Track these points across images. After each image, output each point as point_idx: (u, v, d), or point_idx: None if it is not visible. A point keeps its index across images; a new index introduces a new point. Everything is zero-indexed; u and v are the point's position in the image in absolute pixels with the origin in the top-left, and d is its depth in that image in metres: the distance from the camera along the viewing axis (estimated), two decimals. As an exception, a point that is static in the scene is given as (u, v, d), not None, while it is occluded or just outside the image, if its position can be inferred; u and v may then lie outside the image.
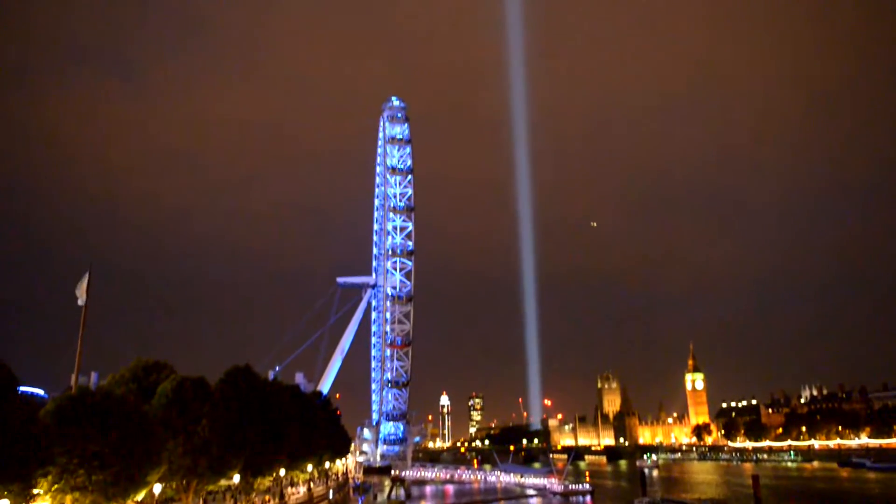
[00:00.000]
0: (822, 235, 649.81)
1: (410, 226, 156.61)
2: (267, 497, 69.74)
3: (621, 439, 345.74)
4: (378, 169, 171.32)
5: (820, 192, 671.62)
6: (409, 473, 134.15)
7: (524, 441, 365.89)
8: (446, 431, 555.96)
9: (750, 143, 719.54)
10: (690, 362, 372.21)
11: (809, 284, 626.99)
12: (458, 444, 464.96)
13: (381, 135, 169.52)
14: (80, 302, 44.39)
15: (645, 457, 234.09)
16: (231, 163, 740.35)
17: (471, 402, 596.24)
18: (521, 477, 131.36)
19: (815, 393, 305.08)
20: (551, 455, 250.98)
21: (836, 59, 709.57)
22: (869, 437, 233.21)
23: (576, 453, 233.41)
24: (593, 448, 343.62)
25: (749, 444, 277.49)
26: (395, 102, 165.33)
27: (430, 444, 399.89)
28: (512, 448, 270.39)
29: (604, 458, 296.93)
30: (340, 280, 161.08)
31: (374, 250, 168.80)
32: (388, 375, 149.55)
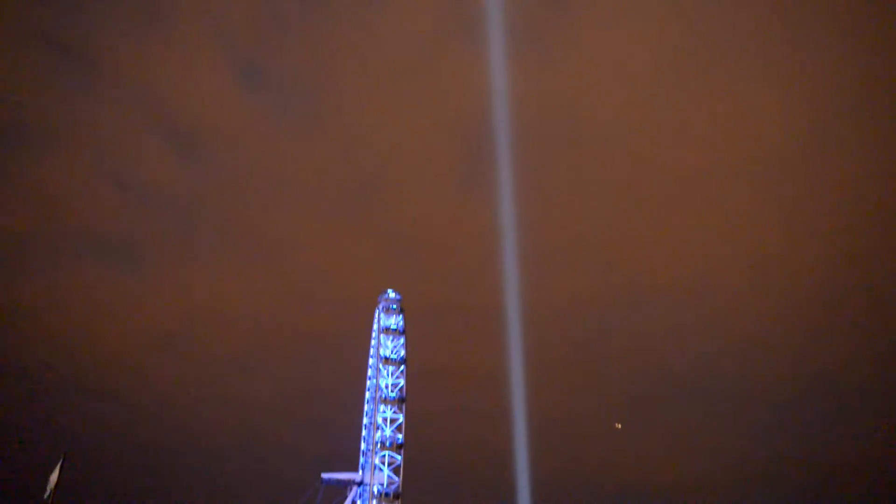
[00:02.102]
0: (841, 430, 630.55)
1: (401, 417, 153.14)
2: None
3: None
4: (371, 361, 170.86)
5: (837, 384, 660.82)
6: None
7: None
8: None
9: (762, 330, 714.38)
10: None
11: (818, 479, 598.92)
12: None
13: (375, 326, 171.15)
14: (46, 494, 42.21)
15: None
16: (216, 347, 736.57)
17: None
18: None
19: None
20: None
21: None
22: None
23: None
24: None
25: None
26: (391, 295, 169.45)
27: None
28: None
29: None
30: (325, 476, 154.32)
31: (363, 445, 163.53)
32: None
